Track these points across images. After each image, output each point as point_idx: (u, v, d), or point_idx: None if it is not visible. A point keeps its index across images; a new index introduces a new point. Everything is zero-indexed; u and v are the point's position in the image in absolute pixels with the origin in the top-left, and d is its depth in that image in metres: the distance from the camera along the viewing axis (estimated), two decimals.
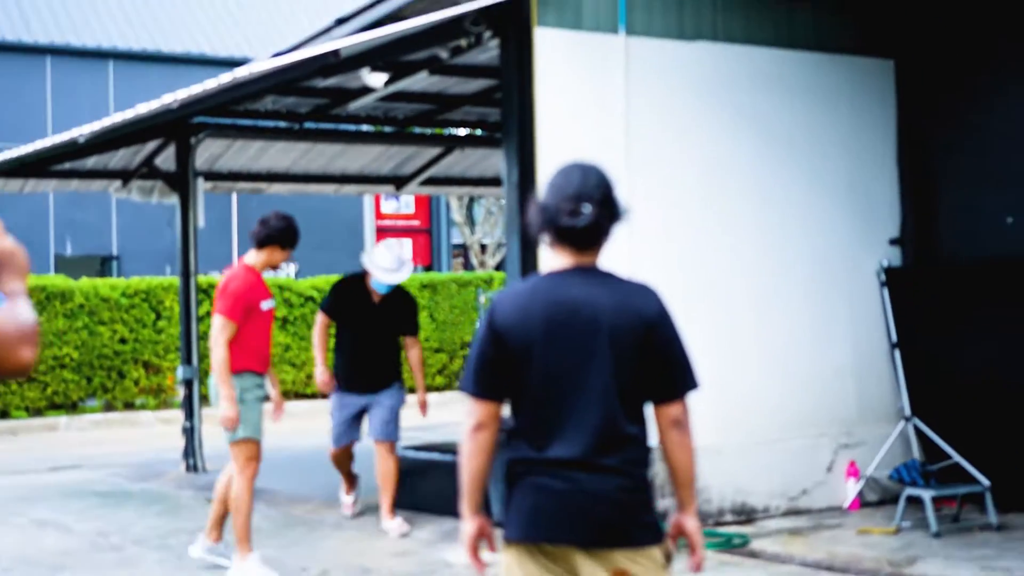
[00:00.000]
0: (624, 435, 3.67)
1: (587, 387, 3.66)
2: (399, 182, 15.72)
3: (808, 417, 9.39)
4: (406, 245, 8.22)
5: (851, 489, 9.33)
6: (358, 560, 8.29)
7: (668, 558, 3.77)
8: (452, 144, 14.64)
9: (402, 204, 26.62)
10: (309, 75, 8.86)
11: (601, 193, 3.73)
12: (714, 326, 8.92)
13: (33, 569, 8.31)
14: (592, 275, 3.75)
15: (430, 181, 15.90)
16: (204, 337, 19.19)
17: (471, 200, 27.67)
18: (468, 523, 3.81)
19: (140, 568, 8.38)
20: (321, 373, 9.42)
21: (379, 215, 26.37)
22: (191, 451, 12.88)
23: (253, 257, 8.03)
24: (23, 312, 2.59)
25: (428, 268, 27.87)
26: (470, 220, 27.87)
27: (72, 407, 18.97)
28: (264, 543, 8.85)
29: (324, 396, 9.36)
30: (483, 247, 28.08)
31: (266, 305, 7.97)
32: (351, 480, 9.80)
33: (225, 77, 8.39)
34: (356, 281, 9.41)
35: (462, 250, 32.39)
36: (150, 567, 8.38)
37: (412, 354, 9.55)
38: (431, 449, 10.16)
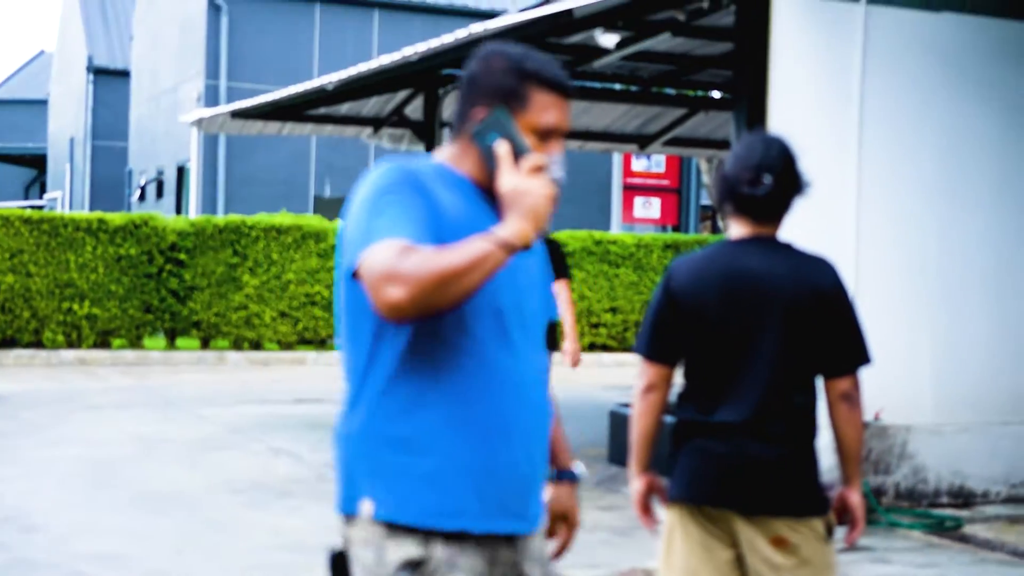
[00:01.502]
0: (791, 404, 3.72)
1: (757, 355, 3.71)
2: (643, 141, 15.79)
3: None
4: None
5: None
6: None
7: (830, 531, 3.80)
8: (697, 105, 14.62)
9: (652, 163, 26.59)
10: (545, 33, 8.99)
11: (782, 164, 3.78)
12: (944, 304, 8.73)
13: (262, 493, 8.80)
14: (770, 245, 3.80)
15: (674, 141, 15.92)
16: None
17: (720, 163, 27.42)
18: (636, 481, 3.93)
19: None
20: None
21: (628, 173, 26.40)
22: None
23: None
24: (413, 257, 2.53)
25: (676, 228, 27.81)
26: None
27: (321, 343, 19.77)
28: None
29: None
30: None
31: None
32: None
33: (461, 32, 8.62)
34: None
35: (710, 212, 32.16)
36: None
37: (560, 298, 8.58)
38: None
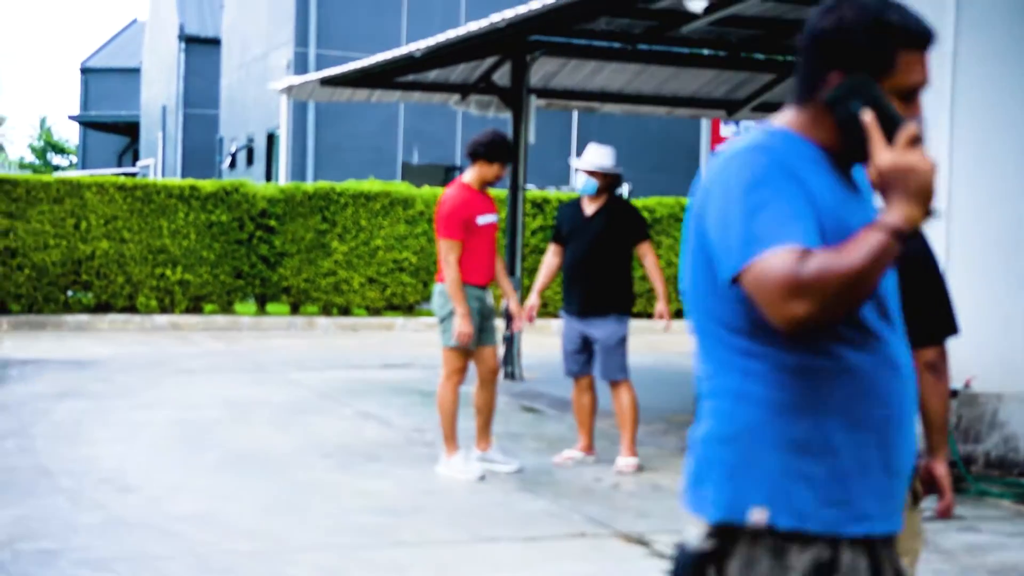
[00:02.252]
0: None
1: None
2: (731, 107, 15.68)
3: None
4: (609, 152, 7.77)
5: None
6: (650, 477, 8.49)
7: (916, 499, 3.78)
8: (785, 71, 14.47)
9: (741, 129, 26.36)
10: None
11: None
12: None
13: (350, 456, 8.90)
14: None
15: (762, 107, 15.77)
16: (535, 251, 19.76)
17: None
18: None
19: None
20: (530, 299, 8.92)
21: (717, 139, 26.21)
22: (510, 359, 13.36)
23: (468, 175, 8.38)
24: (812, 264, 2.27)
25: None
26: None
27: (408, 309, 19.90)
28: (560, 449, 9.16)
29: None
30: None
31: (483, 220, 8.25)
32: (584, 429, 8.98)
33: None
34: (575, 201, 8.87)
35: None
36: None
37: (647, 261, 8.68)
38: None
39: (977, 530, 7.11)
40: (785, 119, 2.58)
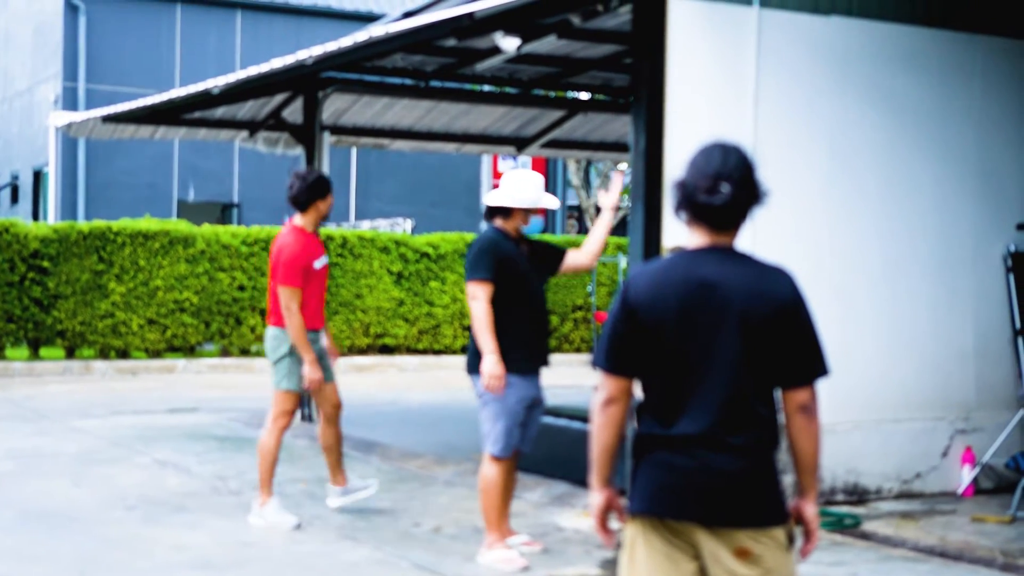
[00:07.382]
0: (753, 415, 3.70)
1: (716, 366, 3.68)
2: (520, 143, 15.77)
3: (926, 400, 9.30)
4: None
5: (966, 475, 9.23)
6: (469, 518, 8.40)
7: (791, 539, 3.81)
8: (575, 108, 14.64)
9: (519, 164, 26.65)
10: (440, 35, 8.88)
11: (740, 173, 3.76)
12: (834, 303, 8.85)
13: (156, 508, 8.55)
14: (727, 255, 3.78)
15: (551, 144, 15.93)
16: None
17: (588, 162, 27.66)
18: (597, 495, 3.87)
19: None
20: (495, 364, 6.98)
21: (496, 174, 26.43)
22: (305, 401, 13.08)
23: (300, 219, 8.26)
24: None
25: (543, 230, 27.91)
26: (586, 183, 27.85)
27: (190, 351, 19.38)
28: (378, 496, 9.00)
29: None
30: (598, 210, 28.07)
31: (319, 263, 8.21)
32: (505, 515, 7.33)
33: (360, 35, 8.47)
34: (503, 235, 7.23)
35: (577, 212, 32.36)
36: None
37: None
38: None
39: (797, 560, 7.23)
40: None
